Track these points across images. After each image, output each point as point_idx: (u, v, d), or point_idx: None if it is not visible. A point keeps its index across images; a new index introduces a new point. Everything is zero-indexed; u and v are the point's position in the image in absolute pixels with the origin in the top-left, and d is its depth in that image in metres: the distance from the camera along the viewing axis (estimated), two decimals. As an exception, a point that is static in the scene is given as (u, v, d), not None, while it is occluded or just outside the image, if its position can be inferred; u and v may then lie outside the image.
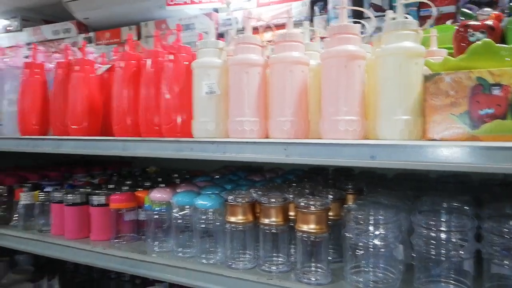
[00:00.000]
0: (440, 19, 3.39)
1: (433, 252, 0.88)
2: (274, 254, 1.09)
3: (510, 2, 3.19)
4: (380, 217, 0.93)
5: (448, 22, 1.72)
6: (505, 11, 2.63)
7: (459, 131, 0.81)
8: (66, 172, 1.94)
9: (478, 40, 0.83)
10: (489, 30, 0.86)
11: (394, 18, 0.94)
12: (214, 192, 1.24)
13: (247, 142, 1.01)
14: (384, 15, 3.63)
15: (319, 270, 1.02)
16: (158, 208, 1.26)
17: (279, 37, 1.03)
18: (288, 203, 1.08)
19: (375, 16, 3.65)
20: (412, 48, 0.89)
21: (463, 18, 1.00)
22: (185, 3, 4.19)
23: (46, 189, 1.54)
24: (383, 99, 0.92)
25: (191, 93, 1.13)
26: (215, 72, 1.08)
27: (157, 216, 1.26)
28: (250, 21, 1.09)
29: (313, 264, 1.02)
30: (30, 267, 2.03)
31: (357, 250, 0.95)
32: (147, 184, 1.65)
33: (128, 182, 1.69)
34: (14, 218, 1.59)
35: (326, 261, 1.01)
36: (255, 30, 1.14)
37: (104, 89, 1.43)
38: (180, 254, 1.20)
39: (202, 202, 1.14)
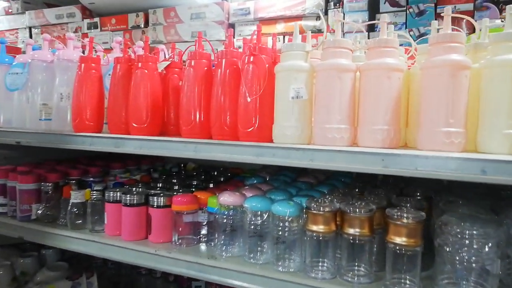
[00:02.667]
0: (457, 16, 3.37)
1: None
2: (355, 264, 1.07)
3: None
4: (481, 232, 0.92)
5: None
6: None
7: None
8: (103, 167, 1.89)
9: None
10: None
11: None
12: (284, 197, 1.22)
13: (339, 150, 0.98)
14: (400, 10, 3.53)
15: (408, 282, 1.00)
16: (227, 212, 1.23)
17: (374, 42, 1.00)
18: (374, 213, 1.06)
19: (390, 11, 3.62)
20: (525, 60, 0.87)
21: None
22: (198, -10, 4.09)
23: (97, 188, 1.50)
24: (492, 112, 0.89)
25: (269, 97, 1.10)
26: (302, 76, 1.05)
27: (226, 220, 1.23)
28: (340, 23, 1.05)
29: (403, 275, 1.00)
30: (63, 263, 1.98)
31: (456, 264, 0.93)
32: (195, 182, 1.62)
33: (174, 181, 1.67)
34: (61, 217, 1.54)
35: (417, 273, 0.99)
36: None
37: (164, 87, 1.39)
38: (252, 260, 1.18)
39: (281, 208, 1.11)
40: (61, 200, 1.54)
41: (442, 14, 0.96)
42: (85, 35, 4.13)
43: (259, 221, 1.16)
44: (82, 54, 1.46)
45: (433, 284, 1.00)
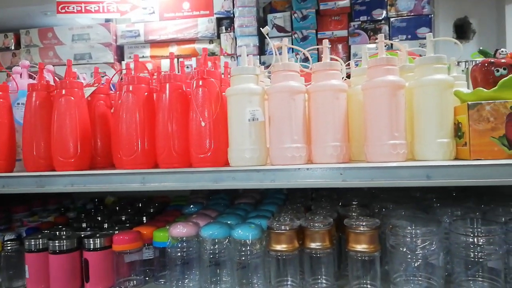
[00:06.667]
0: (334, 41, 3.91)
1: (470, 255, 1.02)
2: (319, 277, 1.11)
3: (389, 31, 3.84)
4: (427, 230, 1.03)
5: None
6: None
7: (499, 151, 0.96)
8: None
9: (502, 75, 1.00)
10: (509, 67, 1.05)
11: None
12: (239, 221, 1.20)
13: (300, 168, 1.01)
14: (286, 35, 3.98)
15: (370, 286, 1.07)
16: (180, 244, 1.15)
17: (319, 66, 1.07)
18: (332, 226, 1.11)
19: (278, 36, 4.03)
20: (449, 79, 1.03)
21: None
22: (79, 11, 3.87)
23: (9, 237, 1.26)
24: (426, 125, 1.03)
25: (221, 120, 1.09)
26: (256, 99, 1.06)
27: (179, 253, 1.15)
28: (286, 48, 1.10)
29: (364, 280, 1.07)
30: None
31: (408, 262, 1.03)
32: (124, 218, 1.49)
33: (99, 218, 1.51)
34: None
35: (378, 277, 1.06)
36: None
37: (90, 116, 1.25)
38: (214, 292, 1.12)
39: (242, 232, 1.09)
40: (-41, 258, 1.25)
41: (376, 41, 1.08)
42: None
43: (218, 249, 1.12)
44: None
45: (389, 283, 1.08)
